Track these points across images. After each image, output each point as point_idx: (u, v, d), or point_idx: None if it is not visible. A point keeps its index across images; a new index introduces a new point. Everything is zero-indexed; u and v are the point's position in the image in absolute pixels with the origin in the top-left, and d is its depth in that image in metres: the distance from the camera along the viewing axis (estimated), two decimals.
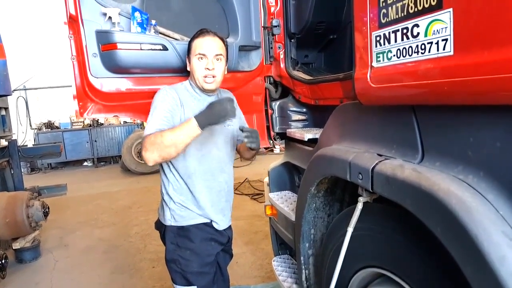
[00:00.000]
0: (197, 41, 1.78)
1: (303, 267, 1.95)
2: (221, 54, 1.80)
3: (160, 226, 1.98)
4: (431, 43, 0.99)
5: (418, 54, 1.04)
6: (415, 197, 1.03)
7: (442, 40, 0.95)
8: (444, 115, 1.06)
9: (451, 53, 0.92)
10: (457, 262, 0.90)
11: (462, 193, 0.92)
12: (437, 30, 0.96)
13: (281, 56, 2.44)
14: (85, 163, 11.89)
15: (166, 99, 1.75)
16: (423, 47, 1.02)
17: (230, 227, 2.06)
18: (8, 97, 4.67)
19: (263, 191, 6.34)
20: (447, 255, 0.93)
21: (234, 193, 2.12)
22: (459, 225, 0.88)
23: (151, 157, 1.58)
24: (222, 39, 1.84)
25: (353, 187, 1.58)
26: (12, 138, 4.97)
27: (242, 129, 1.75)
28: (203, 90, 1.84)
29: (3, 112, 4.94)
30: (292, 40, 2.47)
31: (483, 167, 0.93)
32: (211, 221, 1.91)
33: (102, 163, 11.83)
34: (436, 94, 1.00)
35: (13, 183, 4.75)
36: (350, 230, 1.36)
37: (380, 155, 1.28)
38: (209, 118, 1.60)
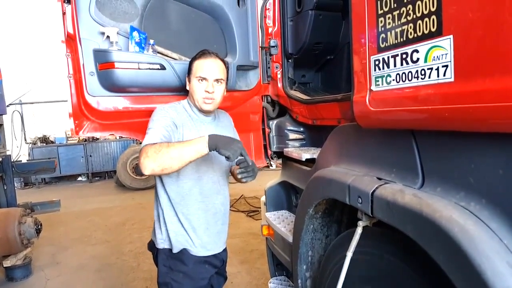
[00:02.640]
0: (198, 63, 1.77)
1: None
2: (221, 79, 1.78)
3: (152, 247, 1.93)
4: (431, 69, 0.99)
5: (418, 79, 1.04)
6: (416, 223, 1.02)
7: (443, 66, 0.95)
8: (445, 140, 1.05)
9: (452, 79, 0.92)
10: None
11: (464, 221, 0.90)
12: (437, 56, 0.96)
13: (279, 76, 2.45)
14: (80, 178, 11.76)
15: (167, 116, 1.73)
16: (423, 72, 1.02)
17: (225, 249, 2.02)
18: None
19: (259, 208, 6.28)
20: (449, 283, 0.91)
21: (230, 209, 2.08)
22: (462, 254, 0.87)
23: (150, 165, 1.49)
24: (223, 61, 1.83)
25: (351, 209, 1.56)
26: (6, 154, 4.92)
27: (238, 163, 1.68)
28: (201, 111, 1.83)
29: None
30: (290, 60, 2.49)
31: (486, 195, 0.92)
32: (201, 248, 1.85)
33: (96, 178, 11.72)
34: (436, 119, 1.00)
35: (6, 199, 4.68)
36: (349, 255, 1.33)
37: (380, 179, 1.27)
38: (219, 143, 1.52)
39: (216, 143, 1.51)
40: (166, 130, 1.67)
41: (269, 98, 2.56)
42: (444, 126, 1.00)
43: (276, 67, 2.45)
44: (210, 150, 1.52)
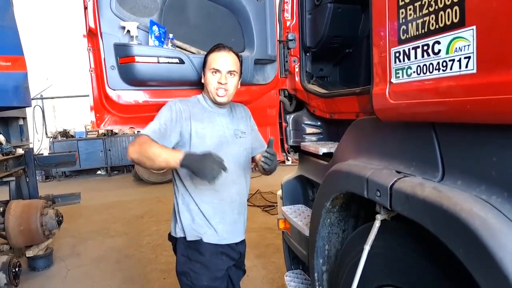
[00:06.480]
0: (212, 56, 1.83)
1: (316, 283, 1.92)
2: (234, 71, 1.84)
3: (172, 237, 1.98)
4: (453, 60, 0.97)
5: (439, 71, 1.02)
6: (435, 216, 1.01)
7: (465, 57, 0.93)
8: (466, 133, 1.04)
9: (474, 71, 0.91)
10: (479, 286, 0.87)
11: (485, 214, 0.89)
12: (459, 48, 0.95)
13: (296, 70, 2.44)
14: (99, 172, 12.00)
15: (172, 109, 1.80)
16: (444, 64, 1.00)
17: (243, 241, 2.03)
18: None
19: (275, 203, 6.30)
20: (469, 277, 0.90)
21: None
22: (483, 247, 0.86)
23: (130, 154, 1.66)
24: (237, 54, 1.88)
25: (368, 203, 1.55)
26: (29, 147, 5.04)
27: (266, 150, 1.76)
28: (215, 103, 1.86)
29: (21, 122, 5.03)
30: (308, 54, 2.48)
31: (508, 188, 0.91)
32: (218, 236, 1.88)
33: (115, 172, 11.93)
34: (458, 112, 0.98)
35: (28, 191, 4.80)
36: (367, 248, 1.33)
37: (399, 172, 1.26)
38: (193, 164, 1.59)
39: (190, 163, 1.59)
40: (164, 124, 1.75)
41: (286, 92, 2.56)
42: (466, 118, 0.98)
43: (294, 61, 2.44)
44: (181, 167, 1.62)
